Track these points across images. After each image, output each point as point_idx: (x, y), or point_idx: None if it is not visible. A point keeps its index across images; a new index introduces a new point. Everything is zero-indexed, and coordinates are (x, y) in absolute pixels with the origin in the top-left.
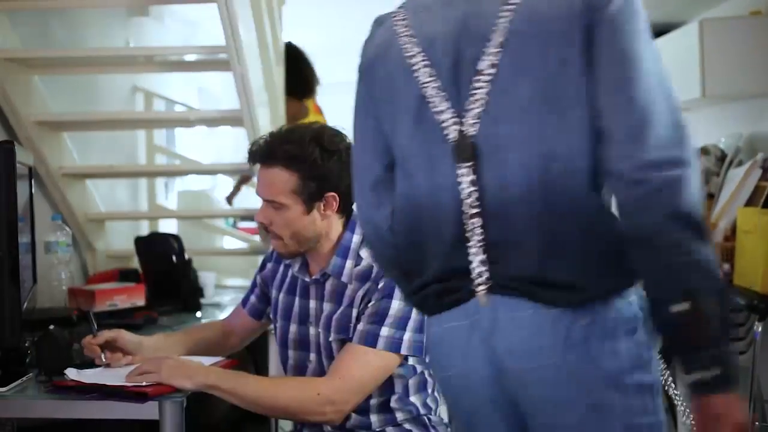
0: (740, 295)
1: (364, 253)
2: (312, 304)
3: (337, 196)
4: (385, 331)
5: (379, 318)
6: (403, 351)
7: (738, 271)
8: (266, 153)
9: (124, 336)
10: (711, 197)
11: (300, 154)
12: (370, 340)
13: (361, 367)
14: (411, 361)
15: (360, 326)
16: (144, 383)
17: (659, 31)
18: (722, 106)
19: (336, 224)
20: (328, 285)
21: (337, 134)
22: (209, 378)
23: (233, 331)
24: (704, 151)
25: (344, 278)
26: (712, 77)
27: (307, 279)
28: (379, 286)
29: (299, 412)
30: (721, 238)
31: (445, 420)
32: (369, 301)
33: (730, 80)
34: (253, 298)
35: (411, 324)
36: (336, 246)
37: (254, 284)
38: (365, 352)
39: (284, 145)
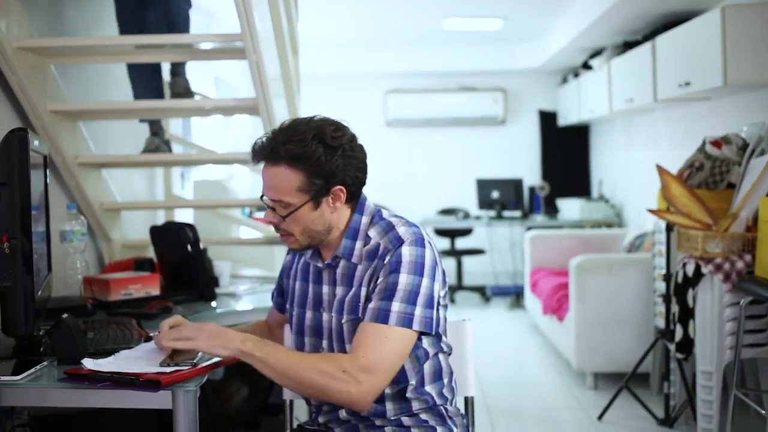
0: (762, 286)
1: (373, 232)
2: (325, 289)
3: (344, 188)
4: (395, 306)
5: (389, 294)
6: (415, 327)
7: (760, 261)
8: (269, 152)
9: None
10: (732, 187)
11: (303, 153)
12: (382, 317)
13: (380, 343)
14: (424, 344)
15: (371, 304)
16: (158, 371)
17: (680, 18)
18: (744, 95)
19: (344, 214)
20: (339, 268)
21: (338, 128)
22: (245, 345)
23: (271, 327)
24: (726, 140)
25: (354, 259)
26: (734, 65)
27: (319, 264)
28: (385, 261)
29: (324, 388)
30: (742, 229)
31: (462, 411)
32: (377, 279)
33: (753, 68)
34: (276, 294)
35: (420, 299)
36: (345, 229)
37: (278, 279)
38: (380, 330)
39: (287, 144)
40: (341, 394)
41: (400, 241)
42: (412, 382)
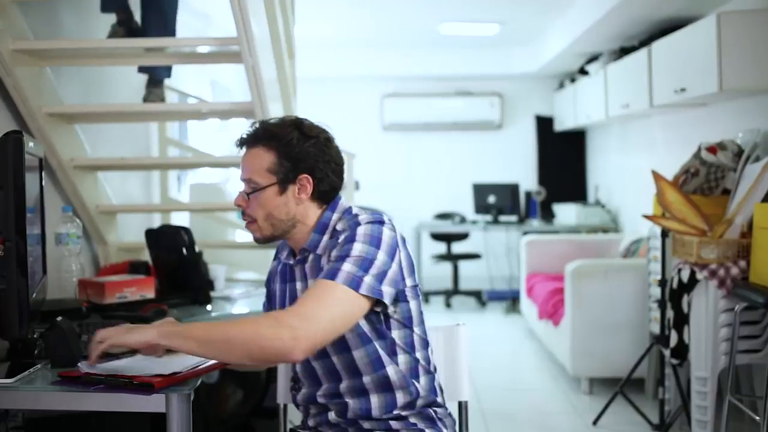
0: (756, 292)
1: (340, 226)
2: (298, 285)
3: (311, 179)
4: (346, 266)
5: (341, 257)
6: (362, 290)
7: (754, 268)
8: (253, 139)
9: None
10: (727, 193)
11: (278, 133)
12: (331, 274)
13: (320, 295)
14: (394, 335)
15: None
16: (149, 374)
17: (676, 24)
18: (740, 101)
19: (313, 211)
20: (308, 262)
21: (318, 126)
22: (162, 327)
23: None
24: (721, 146)
25: (320, 251)
26: (730, 71)
27: (291, 262)
28: (341, 238)
29: (255, 338)
30: (737, 235)
31: (453, 414)
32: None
33: (748, 74)
34: (266, 301)
35: (373, 269)
36: (314, 225)
37: (266, 285)
38: (326, 284)
39: (266, 126)
40: (272, 341)
41: (357, 223)
42: (394, 380)
